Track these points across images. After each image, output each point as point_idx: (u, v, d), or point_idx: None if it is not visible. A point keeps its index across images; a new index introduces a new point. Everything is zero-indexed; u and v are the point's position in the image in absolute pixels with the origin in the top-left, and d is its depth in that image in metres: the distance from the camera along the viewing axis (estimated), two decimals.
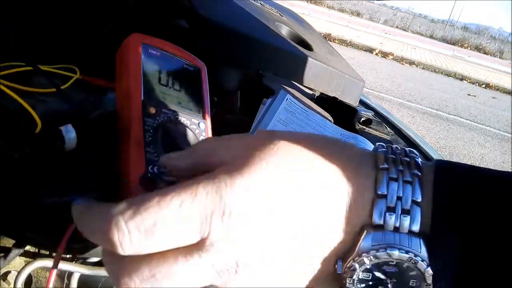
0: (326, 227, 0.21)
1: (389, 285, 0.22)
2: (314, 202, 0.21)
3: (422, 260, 0.21)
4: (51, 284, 0.27)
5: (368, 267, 0.22)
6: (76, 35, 0.53)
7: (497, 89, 8.22)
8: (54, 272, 0.27)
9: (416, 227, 0.21)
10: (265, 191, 0.20)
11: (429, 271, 0.21)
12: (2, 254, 0.33)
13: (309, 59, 0.74)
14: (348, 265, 0.21)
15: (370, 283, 0.22)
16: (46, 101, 0.38)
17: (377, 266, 0.22)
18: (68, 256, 0.36)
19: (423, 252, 0.21)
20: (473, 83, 8.31)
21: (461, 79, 8.37)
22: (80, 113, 0.36)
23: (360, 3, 23.59)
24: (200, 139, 0.39)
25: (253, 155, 0.22)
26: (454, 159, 3.34)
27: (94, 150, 0.35)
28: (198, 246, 0.20)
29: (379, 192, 0.21)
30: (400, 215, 0.21)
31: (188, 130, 0.39)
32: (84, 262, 0.37)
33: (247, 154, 0.22)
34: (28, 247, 0.35)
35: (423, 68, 8.54)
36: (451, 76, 8.40)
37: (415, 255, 0.21)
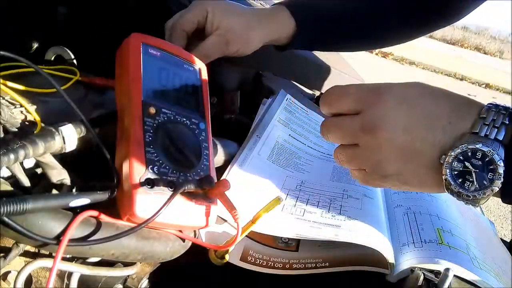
0: (440, 130, 0.33)
1: (473, 174, 0.32)
2: (439, 114, 0.33)
3: (498, 154, 0.31)
4: (51, 284, 0.27)
5: (461, 157, 0.32)
6: (76, 35, 0.53)
7: (497, 89, 8.21)
8: (54, 272, 0.27)
9: (499, 137, 0.31)
10: (403, 96, 0.34)
11: (502, 163, 0.31)
12: (2, 254, 0.33)
13: (309, 59, 0.74)
14: (448, 158, 0.32)
15: (461, 169, 0.32)
16: (46, 101, 0.38)
17: (467, 158, 0.32)
18: (68, 256, 0.36)
19: (501, 152, 0.31)
20: (473, 83, 8.29)
21: (461, 79, 8.36)
22: (80, 113, 0.36)
23: None
24: (200, 139, 0.39)
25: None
26: None
27: (94, 150, 0.35)
28: (356, 113, 0.36)
29: (481, 116, 0.32)
30: (491, 127, 0.32)
31: (188, 130, 0.39)
32: (84, 262, 0.37)
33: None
34: (28, 247, 0.35)
35: (423, 68, 8.52)
36: (451, 76, 8.38)
37: (493, 150, 0.31)
